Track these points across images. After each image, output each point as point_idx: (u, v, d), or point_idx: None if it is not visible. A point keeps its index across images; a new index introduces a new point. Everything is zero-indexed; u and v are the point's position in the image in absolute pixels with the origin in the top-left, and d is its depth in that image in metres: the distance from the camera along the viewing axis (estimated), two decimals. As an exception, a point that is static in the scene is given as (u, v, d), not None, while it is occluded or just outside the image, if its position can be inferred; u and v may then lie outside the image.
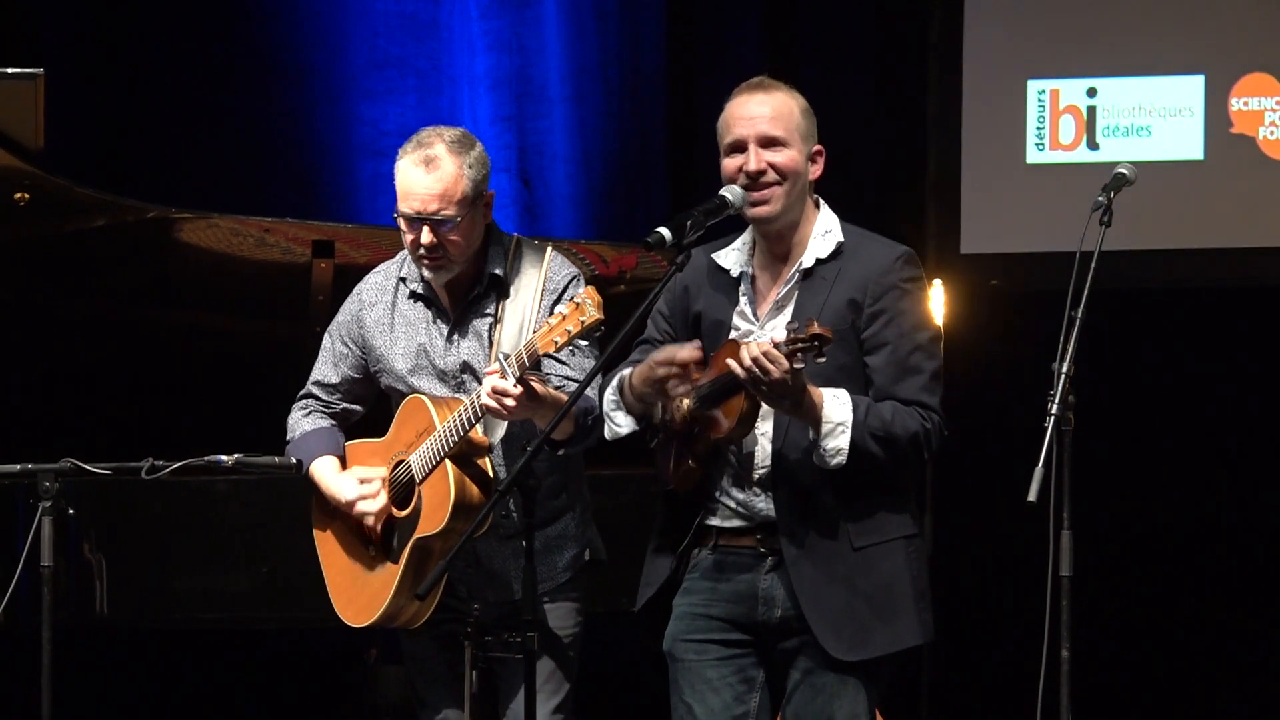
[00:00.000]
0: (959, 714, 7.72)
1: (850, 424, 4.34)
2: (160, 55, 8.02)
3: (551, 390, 4.76)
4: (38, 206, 6.20)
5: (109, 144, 7.98)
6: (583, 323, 4.52)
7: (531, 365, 4.65)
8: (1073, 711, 4.47)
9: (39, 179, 6.14)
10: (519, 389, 4.65)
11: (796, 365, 4.20)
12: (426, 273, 4.96)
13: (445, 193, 4.88)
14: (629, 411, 4.58)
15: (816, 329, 4.17)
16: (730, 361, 4.26)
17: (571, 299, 4.61)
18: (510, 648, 4.82)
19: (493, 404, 4.69)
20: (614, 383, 4.61)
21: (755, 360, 4.22)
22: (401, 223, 4.94)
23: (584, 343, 4.89)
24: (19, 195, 6.16)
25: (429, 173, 4.88)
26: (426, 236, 4.88)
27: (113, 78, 8.00)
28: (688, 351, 4.42)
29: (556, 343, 4.55)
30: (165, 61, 8.02)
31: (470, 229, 4.92)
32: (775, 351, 4.20)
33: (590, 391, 4.71)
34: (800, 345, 4.18)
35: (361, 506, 5.01)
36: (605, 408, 4.63)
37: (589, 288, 4.63)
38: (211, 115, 8.03)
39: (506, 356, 4.69)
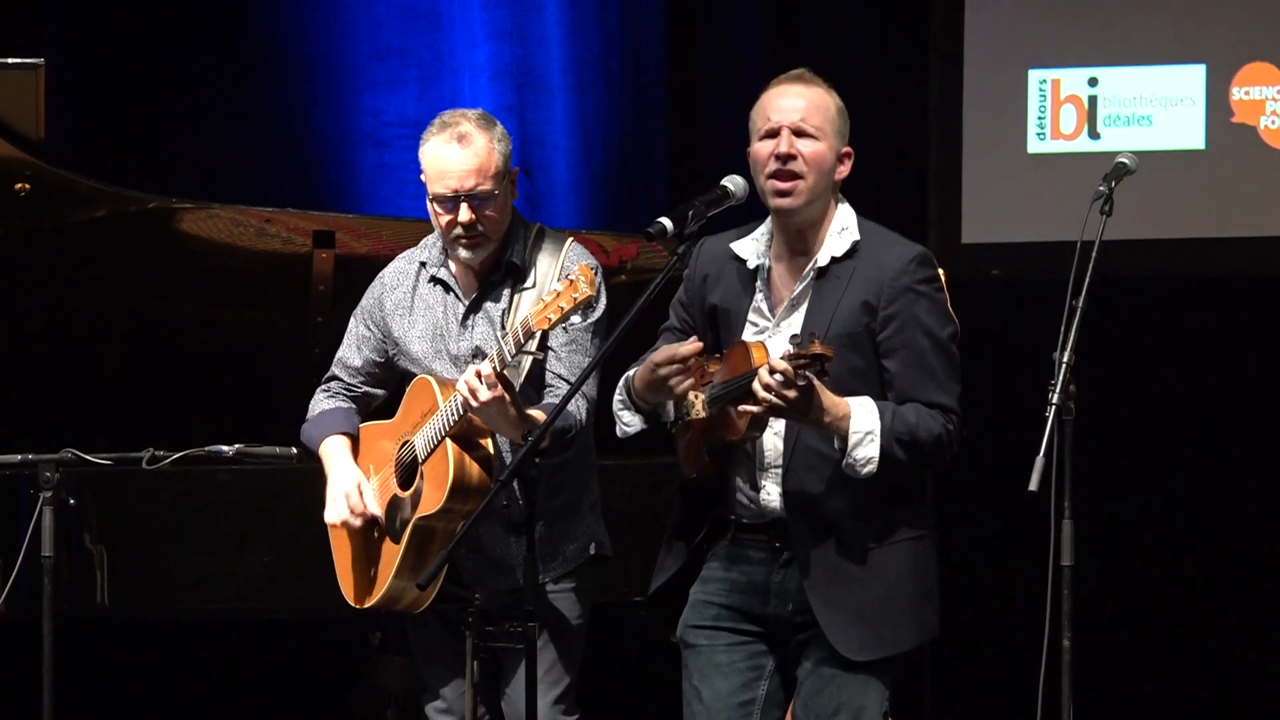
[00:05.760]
0: (961, 703, 7.72)
1: (879, 431, 4.35)
2: (161, 45, 8.01)
3: (521, 406, 4.76)
4: (38, 197, 6.21)
5: (110, 134, 7.98)
6: (574, 299, 4.52)
7: (526, 343, 4.66)
8: (1074, 701, 4.47)
9: (40, 169, 6.14)
10: (496, 390, 4.65)
11: (800, 383, 4.21)
12: (463, 253, 4.96)
13: (480, 167, 4.90)
14: (637, 410, 4.60)
15: (818, 348, 4.17)
16: (754, 386, 4.25)
17: (566, 276, 4.61)
18: (513, 638, 4.83)
19: (464, 393, 4.69)
20: (620, 382, 4.62)
21: (768, 388, 4.23)
22: (435, 206, 4.95)
23: (585, 336, 4.91)
24: (20, 186, 6.16)
25: (463, 148, 4.90)
26: (465, 214, 4.90)
27: (113, 68, 8.00)
28: (688, 347, 4.44)
29: (550, 319, 4.55)
30: (166, 52, 8.01)
31: (504, 204, 4.96)
32: (781, 376, 4.20)
33: (572, 406, 4.73)
34: (801, 363, 4.18)
35: (332, 508, 5.03)
36: (614, 407, 4.64)
37: (583, 264, 4.63)
38: (212, 106, 8.02)
39: (504, 334, 4.71)
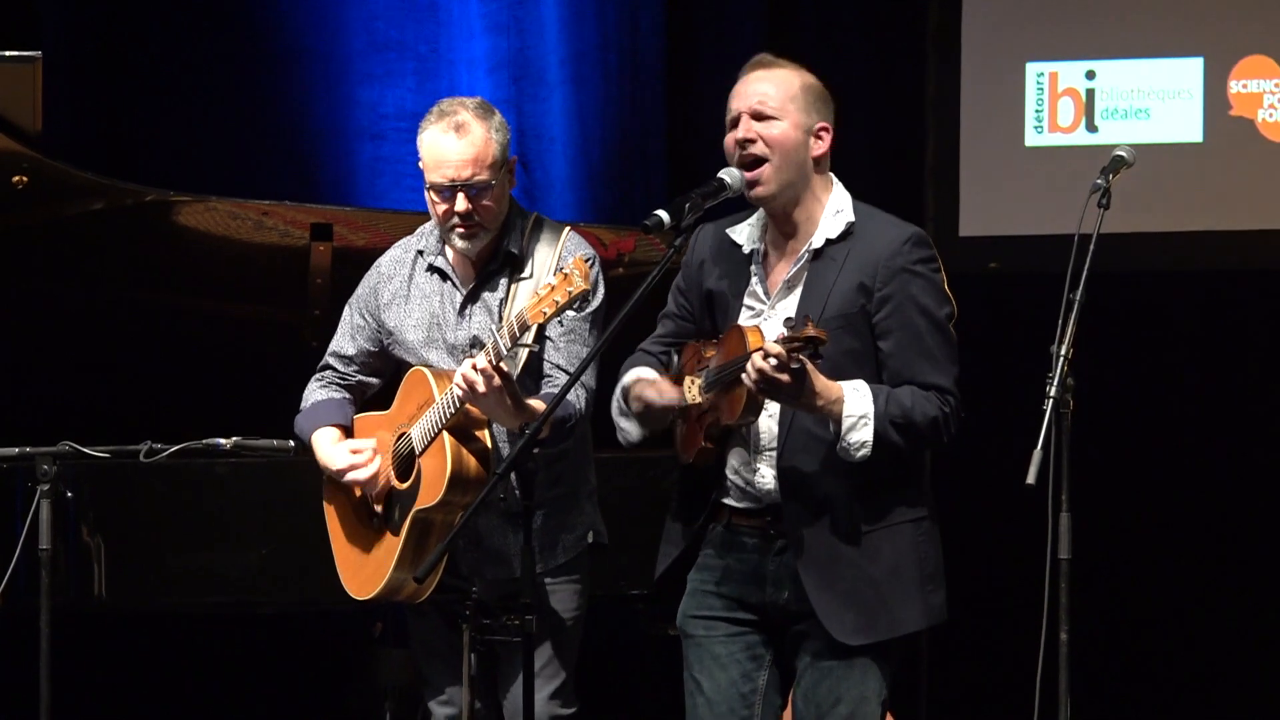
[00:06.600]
0: (958, 697, 7.72)
1: (872, 415, 4.35)
2: (159, 38, 8.01)
3: (520, 397, 4.75)
4: (36, 190, 6.21)
5: (107, 127, 7.97)
6: (569, 293, 4.52)
7: (522, 336, 4.65)
8: (1072, 695, 4.47)
9: (37, 162, 6.14)
10: (494, 382, 4.65)
11: (793, 365, 4.20)
12: (460, 242, 4.95)
13: (478, 157, 4.89)
14: (635, 418, 4.60)
15: (811, 331, 4.17)
16: (747, 368, 4.26)
17: (560, 269, 4.60)
18: (510, 631, 4.82)
19: (463, 386, 4.69)
20: (617, 392, 4.64)
21: (760, 372, 4.22)
22: (432, 195, 4.93)
23: (583, 326, 4.91)
24: (17, 178, 6.16)
25: (460, 138, 4.89)
26: (461, 204, 4.89)
27: (111, 61, 7.99)
28: (666, 396, 4.49)
29: (545, 313, 4.55)
30: (164, 45, 8.01)
31: (501, 194, 4.94)
32: (775, 360, 4.20)
33: (572, 395, 4.73)
34: (795, 346, 4.18)
35: (351, 476, 5.01)
36: (613, 414, 4.65)
37: (578, 257, 4.62)
38: (210, 98, 8.02)
39: (499, 328, 4.70)
